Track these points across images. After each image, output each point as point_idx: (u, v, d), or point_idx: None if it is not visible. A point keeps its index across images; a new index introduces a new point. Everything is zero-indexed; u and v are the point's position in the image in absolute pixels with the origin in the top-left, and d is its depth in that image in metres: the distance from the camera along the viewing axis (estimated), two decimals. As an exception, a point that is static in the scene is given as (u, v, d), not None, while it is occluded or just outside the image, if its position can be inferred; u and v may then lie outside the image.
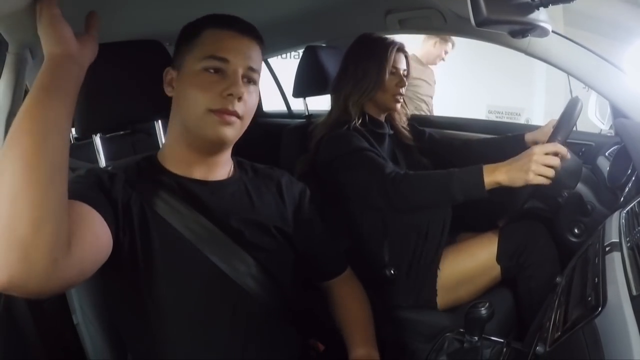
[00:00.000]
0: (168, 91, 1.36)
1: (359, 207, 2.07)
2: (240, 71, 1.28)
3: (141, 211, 1.22)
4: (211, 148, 1.33)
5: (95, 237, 1.05)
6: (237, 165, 1.49)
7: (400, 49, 2.19)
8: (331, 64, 2.64)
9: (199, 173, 1.35)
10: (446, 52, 4.58)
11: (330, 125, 2.13)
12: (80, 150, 3.13)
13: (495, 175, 1.63)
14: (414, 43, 4.27)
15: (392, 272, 1.97)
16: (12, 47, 1.36)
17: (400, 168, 2.15)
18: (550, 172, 1.55)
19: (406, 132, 2.37)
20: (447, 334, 1.39)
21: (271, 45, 3.40)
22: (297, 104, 3.29)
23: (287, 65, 4.20)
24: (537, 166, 1.55)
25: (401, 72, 2.19)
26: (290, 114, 3.88)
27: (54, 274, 0.87)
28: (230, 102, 1.25)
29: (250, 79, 1.31)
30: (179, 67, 1.33)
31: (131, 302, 1.25)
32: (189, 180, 1.33)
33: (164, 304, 1.22)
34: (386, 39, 2.20)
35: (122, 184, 1.22)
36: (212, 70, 1.26)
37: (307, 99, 2.92)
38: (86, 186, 1.15)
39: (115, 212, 1.15)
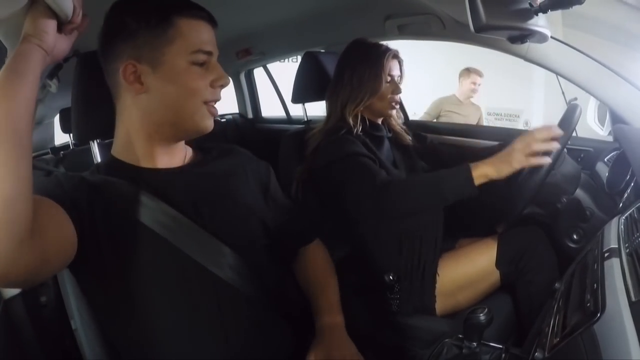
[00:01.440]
0: (135, 88, 1.25)
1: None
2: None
3: (106, 213, 1.20)
4: (189, 137, 1.37)
5: (59, 227, 1.07)
6: (197, 149, 1.49)
7: (395, 55, 2.18)
8: (330, 70, 2.63)
9: (161, 162, 1.33)
10: (474, 83, 4.91)
11: (326, 132, 2.12)
12: (79, 156, 3.13)
13: (482, 168, 1.63)
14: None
15: (390, 277, 1.96)
16: (11, 53, 1.36)
17: (400, 170, 2.15)
18: (536, 152, 1.56)
19: (404, 133, 2.37)
20: (446, 340, 1.38)
21: (270, 51, 3.43)
22: (297, 110, 3.29)
23: (285, 68, 4.21)
24: (522, 147, 1.56)
25: (396, 79, 2.19)
26: (289, 119, 3.88)
27: (18, 257, 0.89)
28: (218, 92, 1.32)
29: None
30: (153, 62, 1.23)
31: (113, 306, 1.24)
32: (150, 170, 1.31)
33: (144, 305, 1.22)
34: (381, 45, 2.20)
35: (85, 187, 1.21)
36: (198, 65, 1.27)
37: (306, 104, 2.92)
38: (51, 185, 1.17)
39: (80, 215, 1.14)
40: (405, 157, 2.31)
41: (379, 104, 2.17)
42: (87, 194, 1.19)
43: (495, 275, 1.93)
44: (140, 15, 1.23)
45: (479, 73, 5.40)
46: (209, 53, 1.28)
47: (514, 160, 1.58)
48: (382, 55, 2.14)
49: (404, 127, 2.41)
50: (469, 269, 1.96)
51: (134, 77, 1.24)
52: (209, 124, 1.32)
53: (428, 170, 2.32)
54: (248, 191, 1.45)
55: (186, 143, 1.43)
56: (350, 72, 2.16)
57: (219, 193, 1.37)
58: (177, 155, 1.38)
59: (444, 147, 2.49)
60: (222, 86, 1.32)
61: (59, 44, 1.11)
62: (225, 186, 1.40)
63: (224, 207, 1.36)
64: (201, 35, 1.27)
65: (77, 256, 1.11)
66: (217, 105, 1.33)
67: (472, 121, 5.29)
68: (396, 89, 2.18)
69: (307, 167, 2.17)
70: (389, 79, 2.15)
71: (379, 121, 2.27)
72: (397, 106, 2.23)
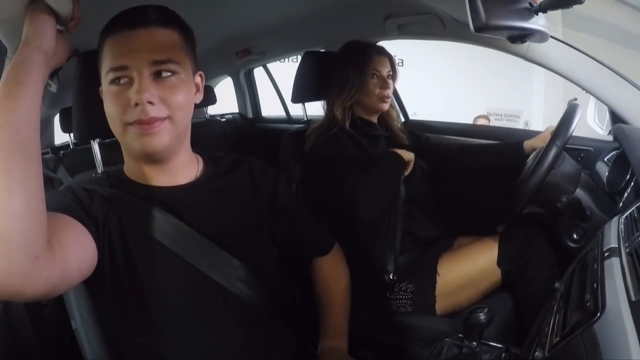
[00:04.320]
0: None
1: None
2: (145, 71, 1.15)
3: (118, 226, 1.20)
4: (153, 159, 1.26)
5: (79, 243, 1.06)
6: (209, 161, 1.42)
7: (381, 52, 2.24)
8: (330, 70, 2.64)
9: (163, 181, 1.30)
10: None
11: (320, 132, 2.17)
12: (79, 155, 3.13)
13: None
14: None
15: (390, 277, 1.97)
16: (11, 52, 1.37)
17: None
18: None
19: (401, 134, 2.39)
20: (446, 340, 1.38)
21: (270, 51, 3.43)
22: (297, 109, 3.29)
23: (286, 68, 4.21)
24: None
25: (384, 74, 2.22)
26: (289, 119, 3.88)
27: (35, 272, 0.87)
28: (141, 111, 1.14)
29: (163, 71, 1.18)
30: (102, 82, 1.21)
31: (123, 317, 1.24)
32: (158, 188, 1.29)
33: (153, 316, 1.22)
34: (366, 44, 2.27)
35: (100, 201, 1.20)
36: (118, 82, 1.16)
37: (307, 104, 2.92)
38: (67, 199, 1.16)
39: (96, 228, 1.14)
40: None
41: (367, 100, 2.22)
42: (102, 207, 1.19)
43: (496, 274, 1.93)
44: (100, 37, 1.22)
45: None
46: (122, 68, 1.15)
47: None
48: (365, 51, 2.21)
49: (402, 127, 2.43)
50: (469, 268, 1.97)
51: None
52: (146, 145, 1.18)
53: (427, 170, 2.33)
54: (257, 203, 1.42)
55: (194, 151, 1.39)
56: (339, 72, 2.24)
57: (227, 207, 1.35)
58: (178, 173, 1.33)
59: (441, 145, 2.51)
60: (140, 104, 1.14)
61: (59, 46, 1.10)
62: (233, 200, 1.37)
63: (233, 221, 1.34)
64: (113, 51, 1.17)
65: (94, 269, 1.11)
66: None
67: None
68: (384, 84, 2.21)
69: (301, 165, 2.20)
70: (375, 73, 2.20)
71: (374, 119, 2.31)
72: (388, 101, 2.26)
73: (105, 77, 1.18)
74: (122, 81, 1.16)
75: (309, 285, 1.62)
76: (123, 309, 1.23)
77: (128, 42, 1.16)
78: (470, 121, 5.89)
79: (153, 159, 1.25)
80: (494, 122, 7.32)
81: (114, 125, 1.19)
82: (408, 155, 2.01)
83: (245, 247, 1.33)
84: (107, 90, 1.18)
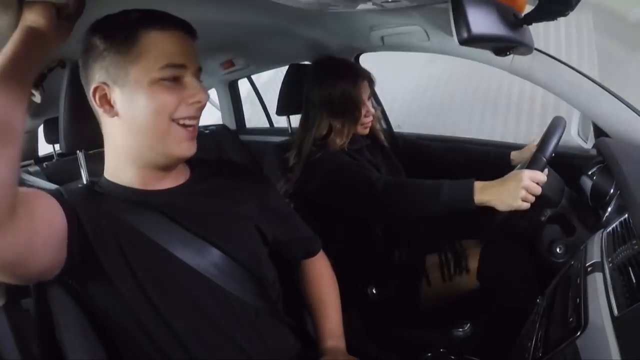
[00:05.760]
0: (105, 110, 1.21)
1: (343, 227, 2.08)
2: (195, 76, 1.23)
3: (111, 228, 1.20)
4: (173, 163, 1.29)
5: (49, 215, 1.09)
6: (197, 164, 1.43)
7: (364, 76, 2.20)
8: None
9: (154, 186, 1.30)
10: None
11: (311, 144, 2.12)
12: (62, 166, 3.11)
13: (485, 194, 1.67)
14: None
15: (373, 291, 1.96)
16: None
17: (382, 173, 2.16)
18: (532, 199, 1.60)
19: (381, 135, 2.38)
20: (428, 354, 1.38)
21: (255, 64, 3.42)
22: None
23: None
24: (526, 193, 1.59)
25: (367, 101, 2.19)
26: (272, 130, 3.89)
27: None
28: (194, 110, 1.21)
29: (198, 80, 1.25)
30: (120, 82, 1.18)
31: (110, 313, 1.24)
32: (147, 191, 1.29)
33: (143, 313, 1.21)
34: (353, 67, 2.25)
35: (88, 206, 1.21)
36: (169, 80, 1.18)
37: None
38: (54, 192, 1.18)
39: (72, 212, 1.15)
40: (386, 159, 2.32)
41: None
42: (89, 210, 1.20)
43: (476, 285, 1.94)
44: (107, 34, 1.18)
45: None
46: (181, 66, 1.19)
47: (518, 200, 1.61)
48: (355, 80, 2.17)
49: (382, 127, 2.43)
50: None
51: (105, 99, 1.20)
52: (186, 148, 1.24)
53: (404, 169, 2.35)
54: (246, 203, 1.42)
55: None
56: (328, 94, 2.16)
57: (217, 207, 1.36)
58: (172, 178, 1.34)
59: (422, 145, 2.52)
60: (198, 102, 1.21)
61: (60, 27, 1.08)
62: (223, 200, 1.38)
63: (223, 221, 1.35)
64: (171, 47, 1.18)
65: (72, 263, 1.13)
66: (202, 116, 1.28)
67: None
68: (368, 111, 2.20)
69: (295, 181, 2.15)
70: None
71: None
72: (369, 125, 2.24)
73: (151, 73, 1.16)
74: (173, 80, 1.19)
75: (298, 289, 1.64)
76: (107, 306, 1.22)
77: (184, 43, 1.21)
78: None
79: (176, 163, 1.30)
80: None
81: (159, 120, 1.19)
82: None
83: (238, 247, 1.33)
84: (151, 85, 1.17)
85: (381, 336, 1.94)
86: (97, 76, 1.19)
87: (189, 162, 1.41)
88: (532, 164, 1.66)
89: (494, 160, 2.23)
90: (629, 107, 1.80)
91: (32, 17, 1.01)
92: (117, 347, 1.28)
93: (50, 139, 3.88)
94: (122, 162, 1.27)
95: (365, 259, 2.07)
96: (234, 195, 1.41)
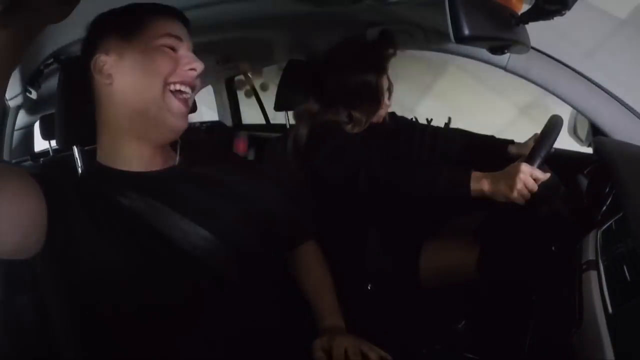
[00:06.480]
0: (104, 78, 1.24)
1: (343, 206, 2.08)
2: (189, 50, 1.29)
3: (91, 213, 1.19)
4: (163, 134, 1.31)
5: (25, 191, 1.07)
6: (186, 147, 1.43)
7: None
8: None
9: (143, 165, 1.31)
10: None
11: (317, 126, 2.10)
12: (59, 163, 3.11)
13: (482, 184, 1.66)
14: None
15: (368, 288, 1.97)
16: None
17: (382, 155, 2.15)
18: (528, 195, 1.60)
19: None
20: (424, 351, 1.38)
21: (253, 60, 3.42)
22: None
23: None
24: (522, 186, 1.58)
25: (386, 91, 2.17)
26: (268, 126, 3.88)
27: None
28: (188, 76, 1.25)
29: None
30: (120, 51, 1.24)
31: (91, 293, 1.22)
32: (137, 174, 1.30)
33: (127, 294, 1.21)
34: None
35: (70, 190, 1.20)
36: (167, 47, 1.25)
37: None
38: (36, 170, 1.20)
39: (53, 190, 1.14)
40: (387, 140, 2.30)
41: None
42: (71, 182, 1.22)
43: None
44: (113, 24, 1.26)
45: None
46: (178, 38, 1.26)
47: (514, 192, 1.61)
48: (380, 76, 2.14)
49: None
50: (453, 261, 1.99)
51: (103, 68, 1.24)
52: (178, 118, 1.27)
53: (405, 151, 2.34)
54: (236, 187, 1.43)
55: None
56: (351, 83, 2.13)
57: (206, 191, 1.37)
58: (162, 159, 1.35)
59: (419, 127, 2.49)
60: (193, 70, 1.26)
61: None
62: (212, 184, 1.39)
63: (212, 203, 1.35)
64: (170, 24, 1.27)
65: (52, 245, 1.12)
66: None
67: None
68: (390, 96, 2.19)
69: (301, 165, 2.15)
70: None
71: None
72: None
73: (152, 40, 1.23)
74: (173, 49, 1.26)
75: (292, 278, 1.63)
76: (89, 287, 1.21)
77: (180, 26, 1.29)
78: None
79: (167, 136, 1.31)
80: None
81: (153, 83, 1.22)
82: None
83: (227, 229, 1.33)
84: (150, 50, 1.23)
85: (378, 332, 1.94)
86: (97, 51, 1.25)
87: (181, 149, 1.42)
88: (529, 160, 1.67)
89: (492, 155, 2.22)
90: (625, 106, 1.81)
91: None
92: (107, 339, 1.27)
93: (47, 135, 3.88)
94: (112, 139, 1.29)
95: (361, 254, 2.06)
96: (223, 177, 1.42)
